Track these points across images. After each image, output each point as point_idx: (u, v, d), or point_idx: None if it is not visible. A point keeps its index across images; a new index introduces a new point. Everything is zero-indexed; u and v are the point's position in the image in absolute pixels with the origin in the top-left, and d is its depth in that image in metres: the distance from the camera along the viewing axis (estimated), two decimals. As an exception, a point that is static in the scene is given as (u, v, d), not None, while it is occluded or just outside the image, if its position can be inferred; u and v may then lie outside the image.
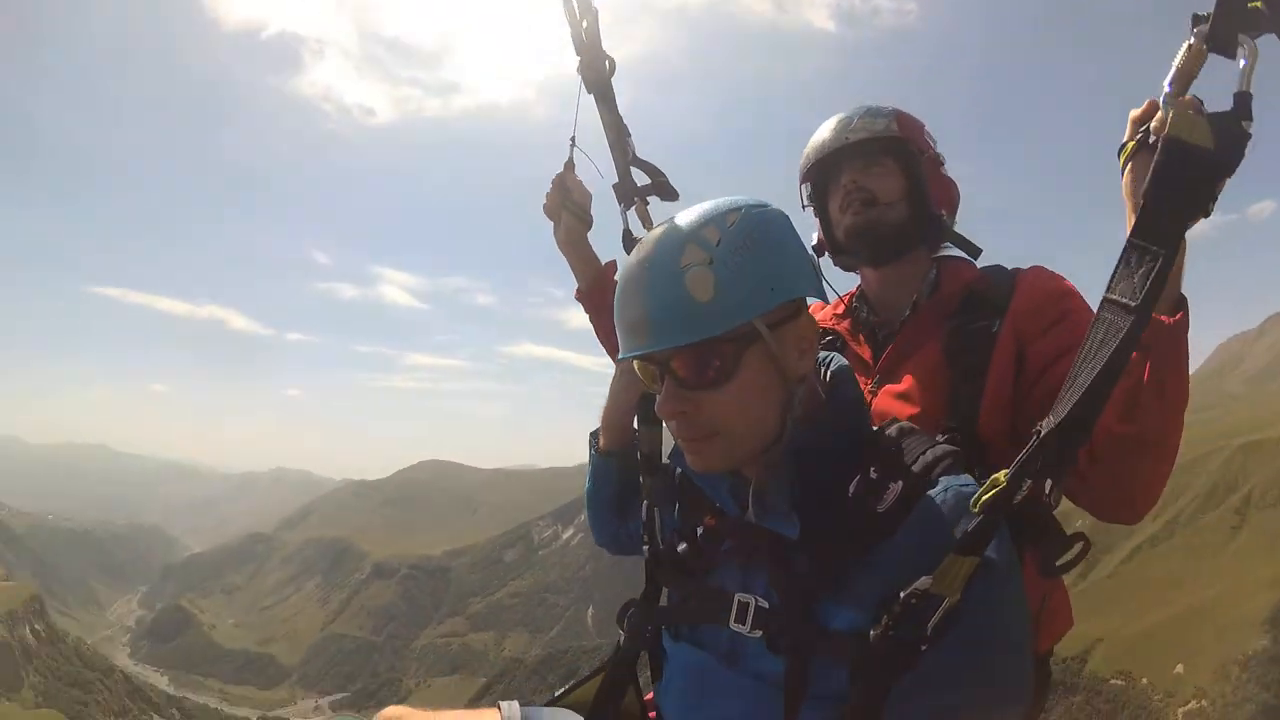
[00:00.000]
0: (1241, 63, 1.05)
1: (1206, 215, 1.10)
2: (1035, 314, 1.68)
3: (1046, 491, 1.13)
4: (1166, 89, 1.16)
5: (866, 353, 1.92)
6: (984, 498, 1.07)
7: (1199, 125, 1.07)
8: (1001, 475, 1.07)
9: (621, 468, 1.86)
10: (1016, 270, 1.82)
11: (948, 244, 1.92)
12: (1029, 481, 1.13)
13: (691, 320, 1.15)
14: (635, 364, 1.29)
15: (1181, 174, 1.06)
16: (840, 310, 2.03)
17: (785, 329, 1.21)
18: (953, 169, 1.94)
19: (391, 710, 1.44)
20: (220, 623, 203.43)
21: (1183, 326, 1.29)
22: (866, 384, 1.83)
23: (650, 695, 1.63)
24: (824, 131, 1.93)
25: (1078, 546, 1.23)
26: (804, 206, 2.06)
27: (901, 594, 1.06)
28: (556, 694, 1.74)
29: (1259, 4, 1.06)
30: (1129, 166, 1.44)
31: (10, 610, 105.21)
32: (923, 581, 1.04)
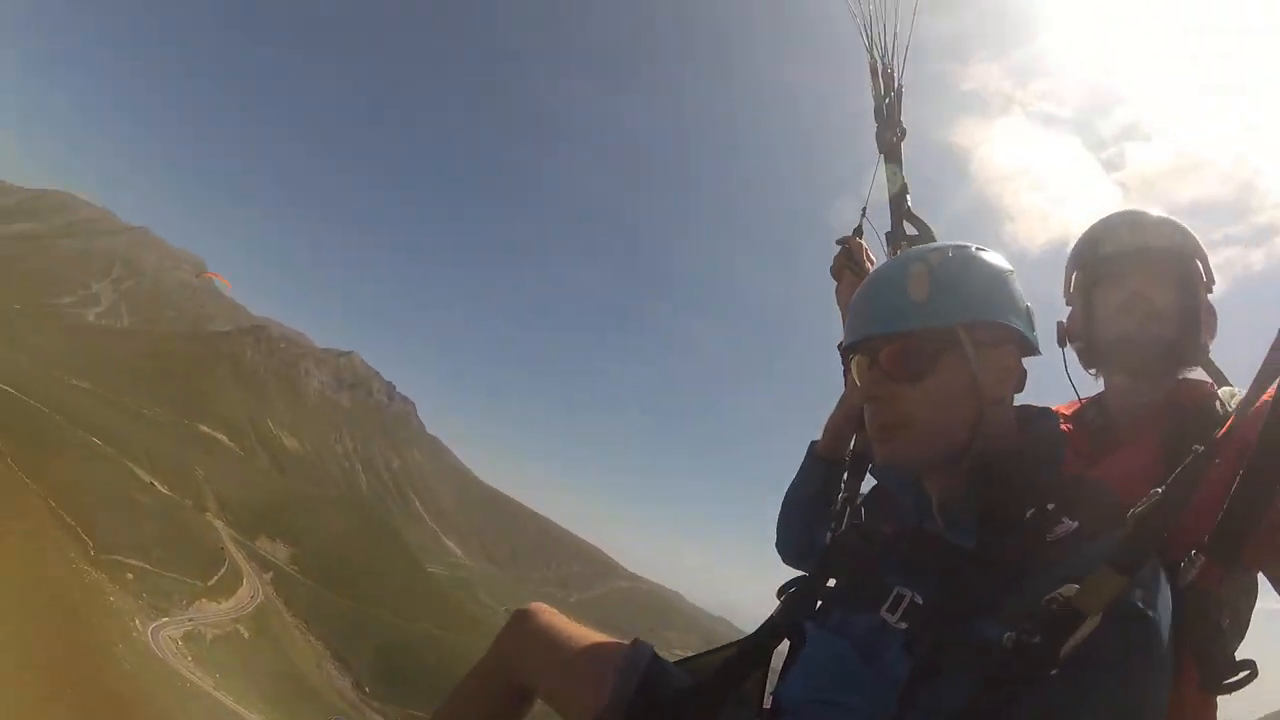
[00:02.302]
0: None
1: None
2: None
3: (1222, 584, 1.10)
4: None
5: (1082, 446, 1.86)
6: (1138, 510, 1.09)
7: None
8: (1159, 489, 1.08)
9: (828, 474, 2.03)
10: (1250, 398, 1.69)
11: (1197, 368, 1.89)
12: (1202, 559, 1.12)
13: (902, 313, 1.35)
14: (855, 361, 1.47)
15: None
16: (1069, 412, 1.99)
17: (988, 350, 1.34)
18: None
19: (538, 605, 1.83)
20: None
21: None
22: (1072, 467, 1.71)
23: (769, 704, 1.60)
24: (1118, 228, 1.92)
25: (1245, 672, 1.18)
26: (1067, 294, 2.03)
27: (1045, 598, 1.07)
28: (689, 655, 1.84)
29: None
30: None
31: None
32: (1068, 588, 1.05)
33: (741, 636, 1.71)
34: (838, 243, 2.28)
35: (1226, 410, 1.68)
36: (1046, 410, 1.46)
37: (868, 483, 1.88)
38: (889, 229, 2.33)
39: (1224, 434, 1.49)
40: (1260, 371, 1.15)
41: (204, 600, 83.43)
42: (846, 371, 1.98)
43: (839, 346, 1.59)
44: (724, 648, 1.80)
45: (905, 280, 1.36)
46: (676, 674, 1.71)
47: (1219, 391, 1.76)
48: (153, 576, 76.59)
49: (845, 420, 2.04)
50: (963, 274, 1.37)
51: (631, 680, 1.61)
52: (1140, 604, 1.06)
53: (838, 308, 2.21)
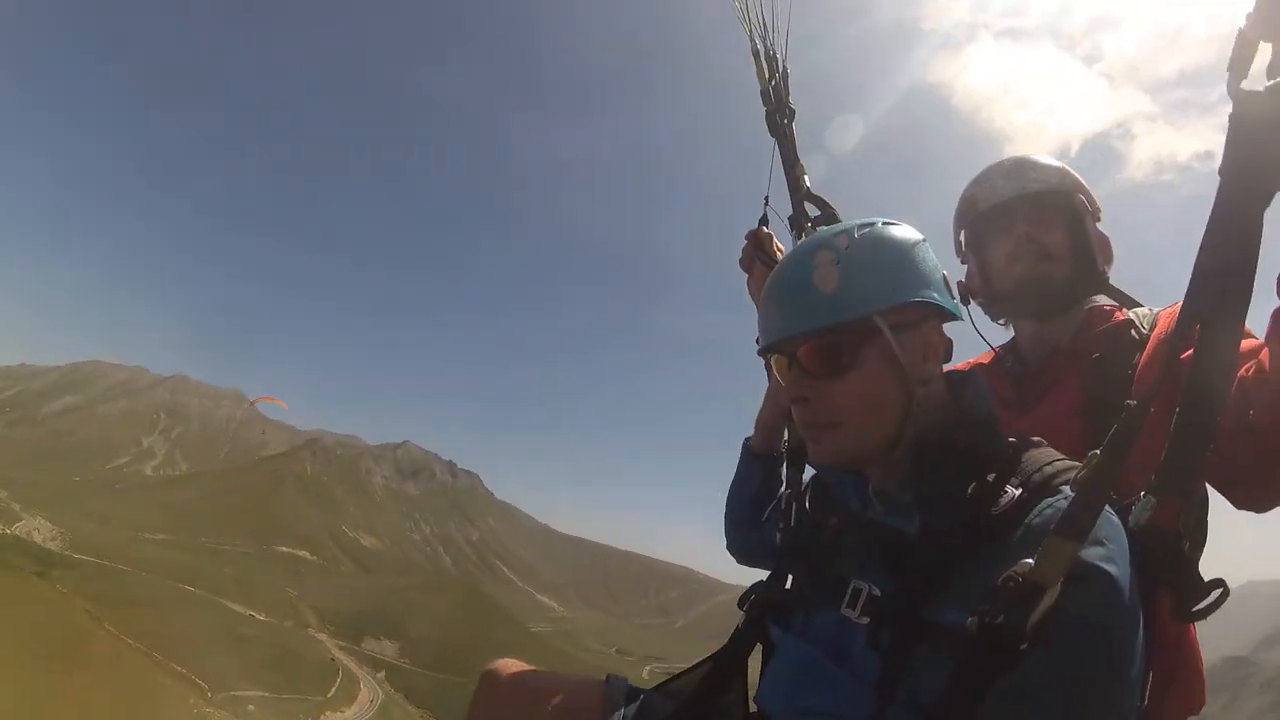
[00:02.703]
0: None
1: None
2: None
3: (1178, 519, 1.11)
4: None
5: (1008, 394, 1.88)
6: (1080, 474, 1.05)
7: None
8: (1099, 451, 1.04)
9: (766, 471, 1.99)
10: (1162, 310, 1.75)
11: (1100, 295, 1.92)
12: (1154, 500, 1.11)
13: (814, 309, 1.28)
14: (774, 360, 1.41)
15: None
16: (988, 361, 2.03)
17: (909, 333, 1.28)
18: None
19: (504, 661, 1.78)
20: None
21: None
22: (1005, 420, 1.65)
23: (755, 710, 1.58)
24: (994, 180, 1.95)
25: (1217, 592, 1.16)
26: (960, 253, 2.08)
27: (1002, 578, 1.02)
28: (663, 680, 1.81)
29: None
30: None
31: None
32: (1022, 565, 1.01)
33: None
34: (746, 237, 2.18)
35: (1143, 333, 1.69)
36: (973, 373, 1.41)
37: (810, 471, 1.78)
38: (791, 213, 2.24)
39: (1148, 375, 1.52)
40: (1182, 309, 1.13)
41: (328, 713, 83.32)
42: (769, 366, 1.86)
43: (757, 349, 1.50)
44: (699, 665, 1.76)
45: (812, 273, 1.30)
46: (657, 701, 1.68)
47: (1131, 314, 1.78)
48: (274, 702, 76.45)
49: (775, 417, 1.98)
50: (871, 257, 1.30)
51: (612, 718, 1.61)
52: (1097, 562, 1.04)
53: (752, 302, 2.11)
